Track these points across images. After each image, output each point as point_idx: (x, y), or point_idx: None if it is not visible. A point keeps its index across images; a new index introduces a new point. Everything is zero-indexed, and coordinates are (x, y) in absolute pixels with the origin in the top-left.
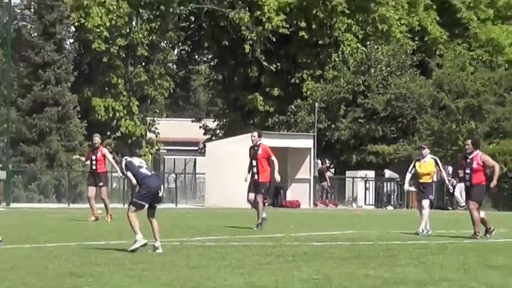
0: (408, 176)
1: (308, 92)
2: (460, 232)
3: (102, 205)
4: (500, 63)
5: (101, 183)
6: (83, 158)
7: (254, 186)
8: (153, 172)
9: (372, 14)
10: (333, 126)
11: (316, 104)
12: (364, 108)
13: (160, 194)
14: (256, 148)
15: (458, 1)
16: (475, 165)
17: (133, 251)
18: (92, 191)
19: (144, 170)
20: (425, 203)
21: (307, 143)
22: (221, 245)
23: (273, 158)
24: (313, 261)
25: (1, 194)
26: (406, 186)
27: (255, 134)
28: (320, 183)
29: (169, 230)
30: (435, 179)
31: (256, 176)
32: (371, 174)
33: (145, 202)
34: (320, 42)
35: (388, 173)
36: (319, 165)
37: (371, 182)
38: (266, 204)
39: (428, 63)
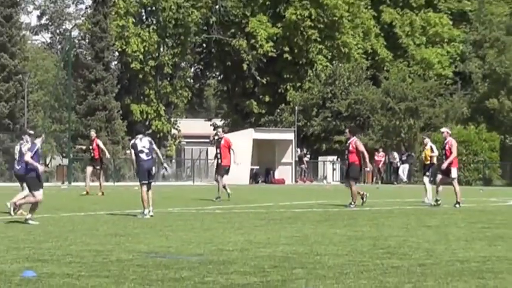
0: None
1: (290, 99)
2: (404, 201)
3: (97, 183)
4: (431, 76)
5: (98, 167)
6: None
7: (217, 168)
8: (150, 157)
9: (337, 41)
10: (308, 123)
11: (296, 107)
12: (331, 110)
13: (152, 173)
14: (220, 140)
15: (400, 30)
16: (350, 148)
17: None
18: (89, 170)
19: (143, 156)
20: (425, 179)
21: (290, 136)
22: (226, 212)
23: (233, 147)
24: (295, 223)
25: (64, 176)
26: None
27: (220, 130)
28: (299, 166)
29: (188, 201)
30: (434, 161)
31: (219, 161)
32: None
33: (144, 179)
34: (299, 62)
35: None
36: (299, 152)
37: (337, 164)
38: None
39: (378, 76)
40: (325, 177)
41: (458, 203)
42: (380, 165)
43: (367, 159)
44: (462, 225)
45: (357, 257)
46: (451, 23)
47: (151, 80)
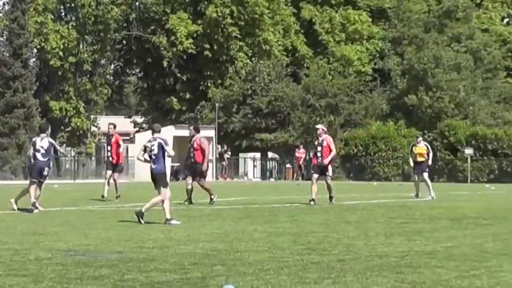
0: (410, 157)
1: (211, 96)
2: (324, 197)
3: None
4: (350, 72)
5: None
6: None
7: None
8: (45, 159)
9: (257, 38)
10: (228, 120)
11: (217, 104)
12: (252, 107)
13: (44, 173)
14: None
15: (320, 27)
16: (195, 146)
17: None
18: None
19: (38, 155)
20: (426, 175)
21: (210, 133)
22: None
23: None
24: (215, 220)
25: None
26: (411, 163)
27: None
28: (220, 163)
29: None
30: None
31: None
32: (257, 155)
33: (35, 177)
34: (219, 59)
35: (270, 154)
36: (219, 149)
37: (257, 161)
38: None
39: (298, 73)
40: (246, 174)
41: (332, 198)
42: (301, 162)
43: (207, 158)
44: (381, 221)
45: (277, 253)
46: (370, 20)
47: (70, 77)
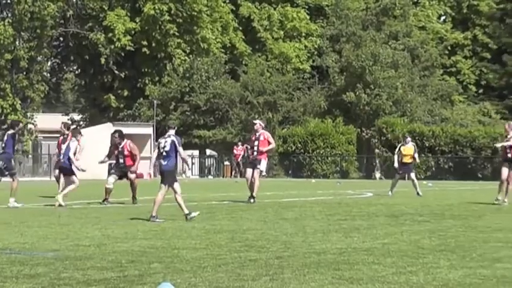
0: (396, 156)
1: (149, 93)
2: (263, 194)
3: None
4: (289, 70)
5: None
6: None
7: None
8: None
9: (196, 35)
10: (167, 117)
11: (155, 101)
12: (190, 104)
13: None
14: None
15: (258, 24)
16: (125, 153)
17: None
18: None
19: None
20: (413, 175)
21: (148, 130)
22: (83, 207)
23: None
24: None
25: None
26: (396, 164)
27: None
28: (159, 160)
29: (45, 197)
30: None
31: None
32: (196, 152)
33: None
34: (157, 56)
35: (208, 151)
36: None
37: (196, 158)
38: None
39: (236, 70)
40: (184, 172)
41: (254, 198)
42: (239, 159)
43: (138, 162)
44: (319, 218)
45: (215, 251)
46: (308, 17)
47: (6, 74)
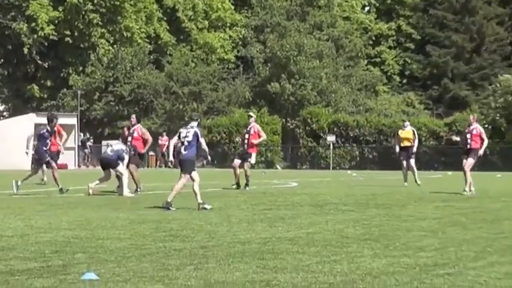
0: (394, 141)
1: (72, 83)
2: (187, 184)
3: None
4: (213, 60)
5: None
6: None
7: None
8: None
9: (119, 25)
10: (91, 108)
11: (79, 91)
12: (114, 94)
13: None
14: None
15: (183, 14)
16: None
17: None
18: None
19: None
20: (412, 161)
21: (72, 120)
22: (5, 198)
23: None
24: (77, 208)
25: None
26: (397, 149)
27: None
28: (83, 150)
29: None
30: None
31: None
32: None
33: None
34: (81, 45)
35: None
36: (82, 136)
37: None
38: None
39: (161, 60)
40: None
41: (247, 185)
42: (164, 150)
43: (147, 147)
44: (244, 207)
45: (139, 241)
46: (233, 7)
47: None
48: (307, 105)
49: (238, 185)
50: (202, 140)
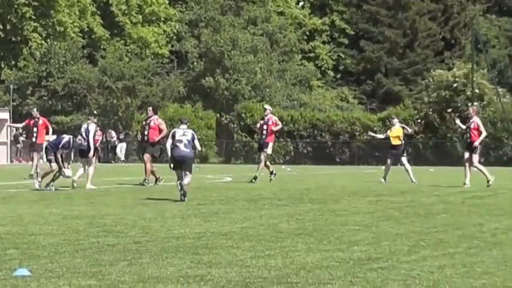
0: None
1: (4, 77)
2: (121, 179)
3: None
4: (147, 55)
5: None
6: None
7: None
8: None
9: (52, 19)
10: (23, 102)
11: (11, 86)
12: (48, 89)
13: None
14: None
15: (116, 9)
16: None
17: None
18: None
19: None
20: (404, 159)
21: (4, 115)
22: None
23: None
24: (9, 203)
25: None
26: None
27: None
28: (15, 145)
29: None
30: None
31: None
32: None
33: None
34: (13, 39)
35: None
36: (14, 131)
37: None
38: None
39: (95, 55)
40: (41, 157)
41: (255, 178)
42: (97, 144)
43: (161, 136)
44: (179, 202)
45: (73, 236)
46: (167, 2)
47: None
48: (242, 100)
49: (272, 173)
50: (197, 142)
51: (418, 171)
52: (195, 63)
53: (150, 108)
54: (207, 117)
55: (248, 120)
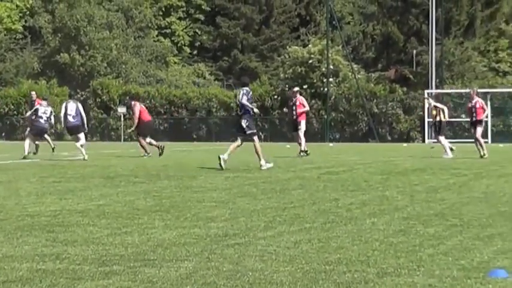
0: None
1: None
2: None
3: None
4: (0, 30)
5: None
6: None
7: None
8: None
9: None
10: None
11: None
12: None
13: None
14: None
15: None
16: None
17: None
18: None
19: None
20: (441, 138)
21: None
22: None
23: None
24: None
25: None
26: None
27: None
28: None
29: None
30: None
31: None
32: None
33: None
34: None
35: None
36: None
37: None
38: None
39: None
40: None
41: (306, 151)
42: None
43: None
44: (33, 180)
45: None
46: None
47: None
48: (98, 76)
49: (306, 152)
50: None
51: (275, 147)
52: (50, 39)
53: (127, 98)
54: (62, 94)
55: (104, 97)
